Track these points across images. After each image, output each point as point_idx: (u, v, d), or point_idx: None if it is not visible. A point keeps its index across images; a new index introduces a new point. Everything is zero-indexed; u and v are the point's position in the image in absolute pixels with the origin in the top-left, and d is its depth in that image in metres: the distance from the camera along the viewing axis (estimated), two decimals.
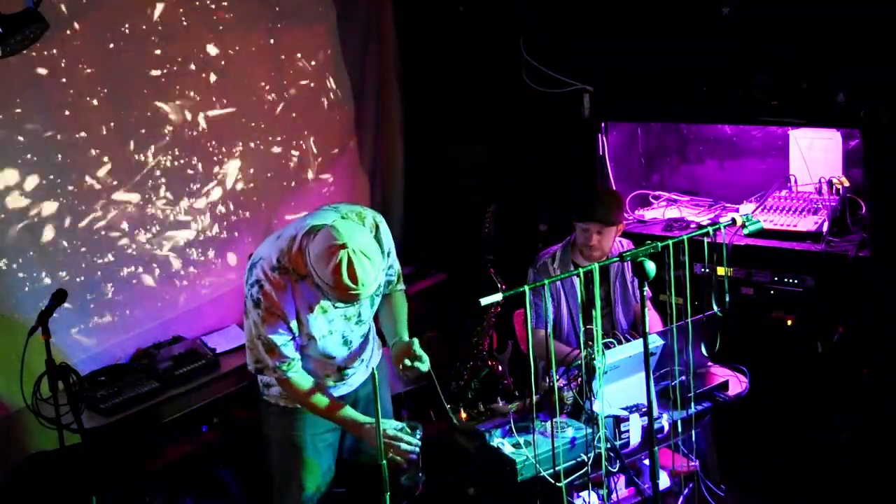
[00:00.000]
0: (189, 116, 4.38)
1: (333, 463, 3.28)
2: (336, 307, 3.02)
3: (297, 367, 3.02)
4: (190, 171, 4.42)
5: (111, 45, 4.02)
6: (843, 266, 3.84)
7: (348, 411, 3.07)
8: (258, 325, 2.93)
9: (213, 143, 4.50)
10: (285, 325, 2.92)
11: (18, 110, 3.76)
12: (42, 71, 3.80)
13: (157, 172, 4.29)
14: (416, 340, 3.04)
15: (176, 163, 4.35)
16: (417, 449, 2.99)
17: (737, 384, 3.51)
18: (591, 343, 3.01)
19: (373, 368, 2.84)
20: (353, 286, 2.72)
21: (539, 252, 4.00)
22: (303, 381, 3.05)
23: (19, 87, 3.75)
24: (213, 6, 4.41)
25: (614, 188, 4.50)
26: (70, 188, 3.96)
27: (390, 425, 3.02)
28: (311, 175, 5.02)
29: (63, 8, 3.80)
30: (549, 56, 4.65)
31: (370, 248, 2.78)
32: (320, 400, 3.07)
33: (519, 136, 5.03)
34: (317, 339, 3.04)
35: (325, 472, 3.26)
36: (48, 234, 3.91)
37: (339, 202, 3.13)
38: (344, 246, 2.70)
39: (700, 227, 4.24)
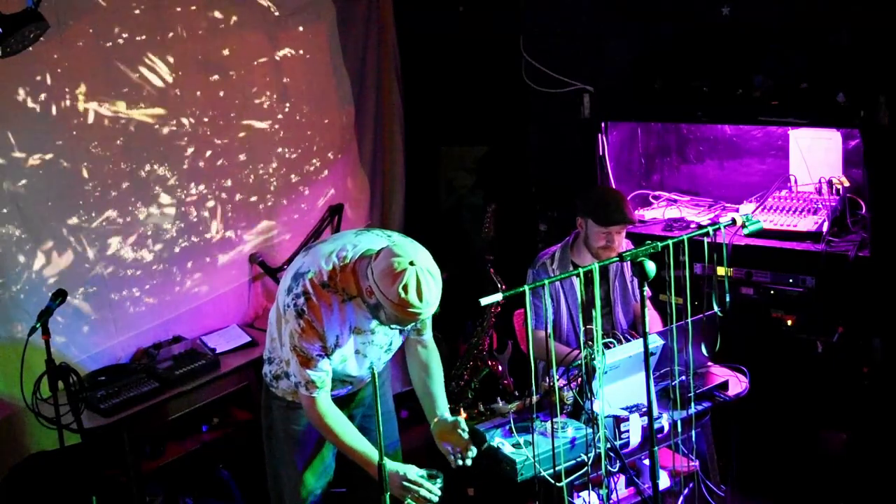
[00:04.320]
0: (189, 116, 4.38)
1: (333, 461, 3.28)
2: (374, 333, 3.03)
3: (328, 386, 3.00)
4: (189, 172, 4.42)
5: (108, 45, 4.02)
6: (843, 266, 3.84)
7: (369, 450, 2.99)
8: (295, 335, 2.90)
9: (213, 143, 4.50)
10: (320, 344, 2.91)
11: (19, 110, 3.77)
12: (42, 73, 3.81)
13: (157, 172, 4.29)
14: (461, 420, 3.06)
15: (175, 163, 4.35)
16: (437, 499, 2.95)
17: (737, 384, 3.51)
18: (591, 343, 3.01)
19: (372, 368, 2.84)
20: (419, 305, 2.72)
21: (538, 252, 4.00)
22: (329, 406, 3.02)
23: (22, 91, 3.76)
24: (213, 6, 4.41)
25: (614, 188, 4.50)
26: (70, 187, 3.96)
27: (412, 471, 2.97)
28: (311, 175, 5.02)
29: (58, 9, 3.80)
30: (549, 56, 4.65)
31: (434, 268, 2.80)
32: (343, 432, 3.02)
33: (519, 136, 5.03)
34: (347, 362, 3.04)
35: (326, 469, 3.26)
36: (48, 233, 3.91)
37: (382, 228, 3.15)
38: (412, 263, 2.71)
39: (700, 227, 4.24)
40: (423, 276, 2.72)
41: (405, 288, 2.70)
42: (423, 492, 2.91)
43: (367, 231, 3.09)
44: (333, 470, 3.29)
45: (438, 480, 2.95)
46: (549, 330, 3.01)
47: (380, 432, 2.67)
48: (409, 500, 2.94)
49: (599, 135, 4.48)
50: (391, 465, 2.95)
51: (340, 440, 3.02)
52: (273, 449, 3.29)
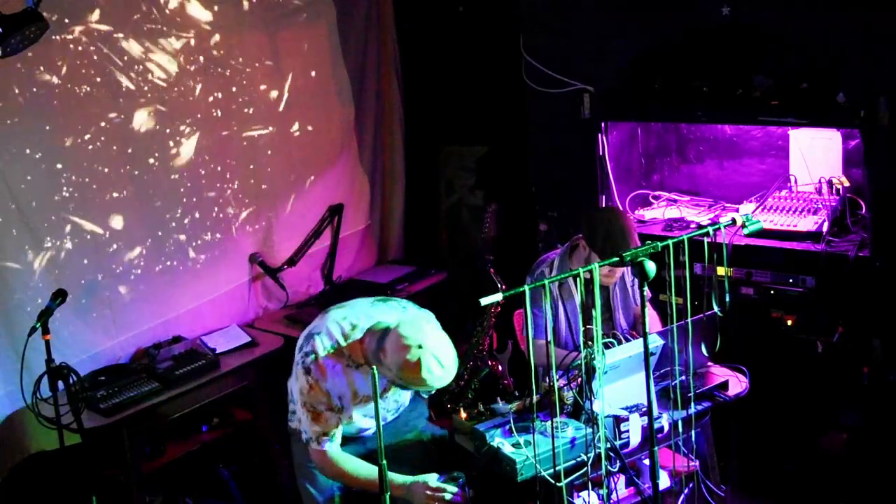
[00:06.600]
0: (189, 116, 4.38)
1: None
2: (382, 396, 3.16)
3: (339, 436, 3.10)
4: (189, 172, 4.42)
5: (110, 45, 4.02)
6: (843, 266, 3.84)
7: (388, 477, 3.01)
8: (304, 392, 3.04)
9: (213, 143, 4.50)
10: (326, 401, 3.02)
11: (18, 114, 3.77)
12: (41, 72, 3.81)
13: (157, 172, 4.29)
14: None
15: (175, 163, 4.35)
16: (459, 500, 3.03)
17: (737, 384, 3.51)
18: (590, 343, 3.01)
19: (373, 368, 2.84)
20: (441, 375, 2.91)
21: (538, 255, 3.98)
22: (339, 454, 3.11)
23: (23, 92, 3.76)
24: (213, 5, 4.41)
25: (614, 188, 4.50)
26: (72, 185, 3.96)
27: (432, 478, 3.06)
28: (311, 176, 5.02)
29: (59, 9, 3.80)
30: (549, 56, 4.65)
31: (444, 340, 2.97)
32: (355, 469, 3.11)
33: (519, 136, 5.03)
34: (360, 420, 3.16)
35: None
36: (48, 233, 3.91)
37: (404, 300, 3.27)
38: (420, 347, 2.87)
39: (700, 227, 4.24)
40: (438, 351, 2.88)
41: (429, 371, 2.87)
42: (447, 495, 3.02)
43: (383, 301, 3.20)
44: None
45: (460, 481, 3.06)
46: (550, 337, 3.00)
47: (379, 433, 2.67)
48: None
49: (599, 135, 4.47)
50: (411, 478, 3.05)
51: (356, 478, 3.10)
52: (302, 482, 3.31)
